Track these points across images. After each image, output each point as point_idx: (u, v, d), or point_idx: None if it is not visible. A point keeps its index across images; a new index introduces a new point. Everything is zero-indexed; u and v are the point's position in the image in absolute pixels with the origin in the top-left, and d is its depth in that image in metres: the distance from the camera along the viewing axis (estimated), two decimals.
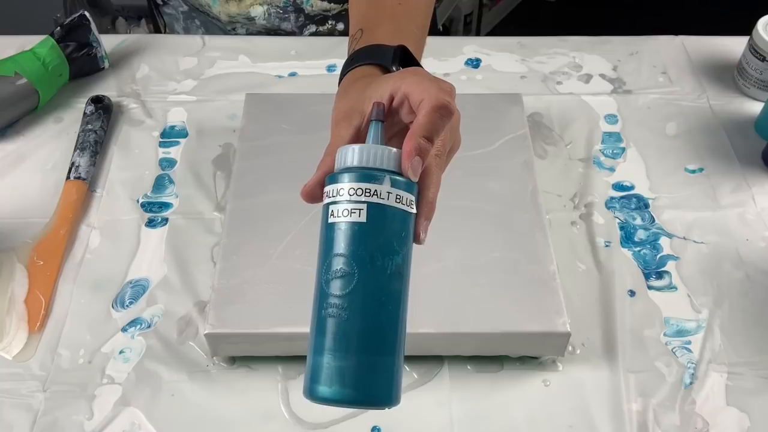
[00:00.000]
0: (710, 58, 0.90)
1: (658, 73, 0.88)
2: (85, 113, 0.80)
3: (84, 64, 0.85)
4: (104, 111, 0.81)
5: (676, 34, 0.93)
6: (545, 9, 2.21)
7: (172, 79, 0.87)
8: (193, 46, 0.91)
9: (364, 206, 0.40)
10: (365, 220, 0.40)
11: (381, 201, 0.40)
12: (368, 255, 0.40)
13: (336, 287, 0.40)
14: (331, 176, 0.42)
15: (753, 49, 0.82)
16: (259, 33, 0.95)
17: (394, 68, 0.51)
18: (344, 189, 0.40)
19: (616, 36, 0.93)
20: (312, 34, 0.94)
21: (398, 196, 0.40)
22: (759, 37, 0.81)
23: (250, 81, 0.86)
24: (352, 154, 0.41)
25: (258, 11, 0.91)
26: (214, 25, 0.97)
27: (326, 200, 0.42)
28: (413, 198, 0.42)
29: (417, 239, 0.43)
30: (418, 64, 0.54)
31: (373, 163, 0.41)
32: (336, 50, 0.90)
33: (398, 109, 0.46)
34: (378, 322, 0.40)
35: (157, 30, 1.06)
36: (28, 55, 0.80)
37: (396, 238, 0.41)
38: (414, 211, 0.42)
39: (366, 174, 0.40)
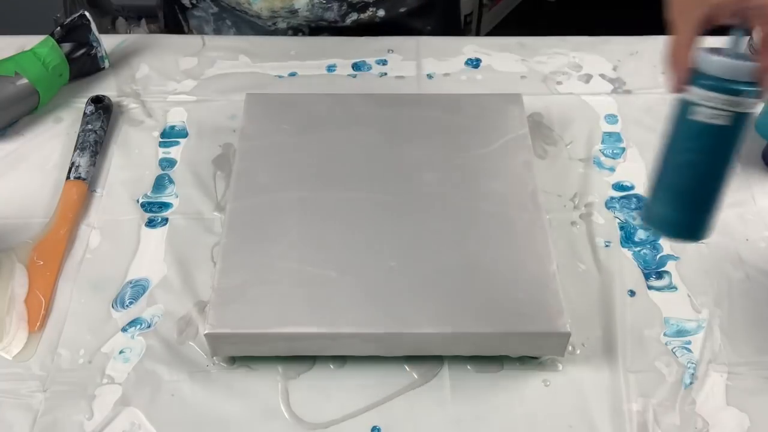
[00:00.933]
0: None
1: (658, 73, 0.88)
2: (85, 113, 0.80)
3: (84, 64, 0.85)
4: (104, 111, 0.81)
5: None
6: (545, 9, 2.22)
7: (172, 79, 0.87)
8: (193, 46, 0.91)
9: (728, 114, 0.49)
10: (728, 124, 0.50)
11: (738, 110, 0.49)
12: (722, 149, 0.52)
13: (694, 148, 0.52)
14: (696, 78, 0.50)
15: (753, 48, 0.82)
16: (299, 26, 0.94)
17: None
18: (712, 96, 0.49)
19: (616, 36, 0.93)
20: (354, 22, 0.94)
21: (751, 104, 0.49)
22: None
23: (250, 81, 0.86)
24: (719, 65, 0.49)
25: (301, 2, 0.90)
26: (246, 24, 0.97)
27: (691, 98, 0.50)
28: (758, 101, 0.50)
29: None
30: None
31: (737, 76, 0.48)
32: (336, 50, 0.90)
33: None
34: (714, 181, 0.53)
35: (185, 32, 1.05)
36: (29, 55, 0.80)
37: (741, 134, 0.51)
38: (754, 110, 0.51)
39: (731, 88, 0.49)
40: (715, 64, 0.49)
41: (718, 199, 0.53)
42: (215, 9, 0.97)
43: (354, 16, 0.93)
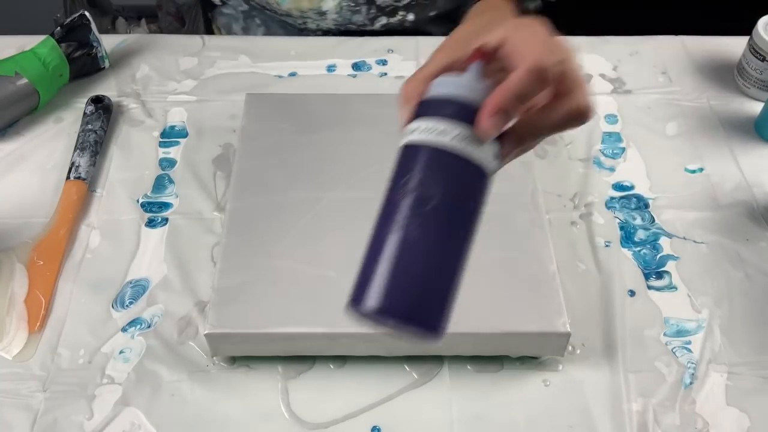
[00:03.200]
0: (710, 58, 0.90)
1: (658, 73, 0.88)
2: (85, 113, 0.80)
3: (84, 64, 0.85)
4: (104, 111, 0.81)
5: (676, 34, 0.93)
6: (545, 9, 2.21)
7: (172, 79, 0.87)
8: (193, 46, 0.91)
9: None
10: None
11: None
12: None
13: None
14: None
15: (753, 49, 0.82)
16: (329, 29, 0.95)
17: (530, 5, 0.48)
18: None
19: (616, 36, 0.93)
20: (383, 26, 0.93)
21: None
22: (759, 37, 0.81)
23: (250, 81, 0.86)
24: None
25: (330, 5, 0.90)
26: (276, 23, 0.96)
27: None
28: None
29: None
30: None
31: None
32: (336, 50, 0.90)
33: (505, 60, 0.42)
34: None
35: (209, 31, 1.05)
36: (29, 55, 0.80)
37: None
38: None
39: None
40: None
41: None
42: (245, 7, 0.97)
43: (383, 20, 0.93)
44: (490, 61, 0.42)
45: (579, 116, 0.41)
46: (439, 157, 0.39)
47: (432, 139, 0.39)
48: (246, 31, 0.99)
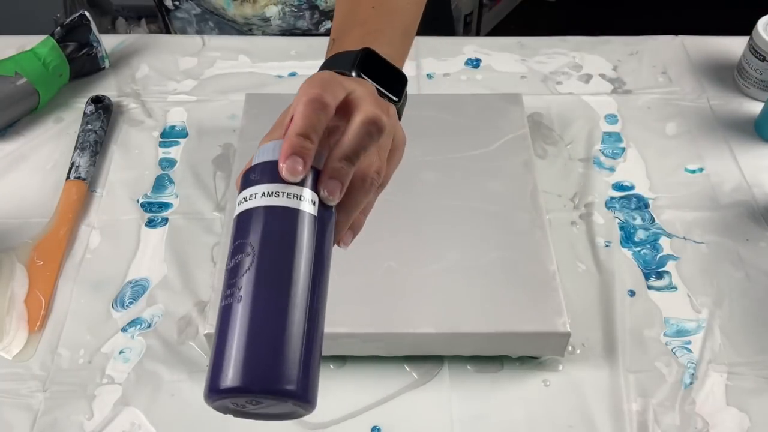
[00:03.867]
0: (710, 58, 0.90)
1: (658, 73, 0.88)
2: (85, 113, 0.80)
3: (84, 64, 0.85)
4: (104, 111, 0.81)
5: (676, 34, 0.93)
6: (545, 9, 2.22)
7: (172, 79, 0.87)
8: (193, 46, 0.91)
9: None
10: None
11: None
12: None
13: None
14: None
15: (753, 49, 0.82)
16: (274, 35, 0.95)
17: (353, 73, 0.48)
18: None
19: (616, 36, 0.93)
20: (327, 30, 0.94)
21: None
22: (759, 37, 0.81)
23: (250, 81, 0.86)
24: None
25: (273, 11, 0.91)
26: (229, 27, 0.97)
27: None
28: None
29: (338, 244, 0.42)
30: (386, 66, 0.51)
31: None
32: None
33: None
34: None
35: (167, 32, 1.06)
36: (29, 55, 0.80)
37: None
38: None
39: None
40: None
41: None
42: (198, 10, 0.97)
43: (327, 24, 0.93)
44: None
45: (373, 125, 0.41)
46: (249, 218, 0.39)
47: (244, 206, 0.39)
48: (200, 34, 1.00)
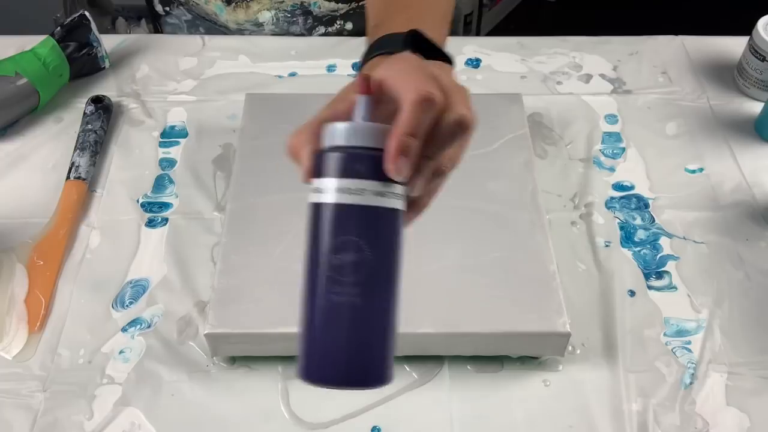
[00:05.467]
0: (710, 58, 0.90)
1: (658, 73, 0.88)
2: (85, 113, 0.80)
3: (84, 64, 0.85)
4: (104, 111, 0.81)
5: (676, 34, 0.93)
6: (545, 9, 2.22)
7: (172, 79, 0.87)
8: (193, 46, 0.91)
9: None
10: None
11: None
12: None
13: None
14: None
15: (753, 49, 0.82)
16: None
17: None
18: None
19: (616, 36, 0.93)
20: (322, 35, 0.94)
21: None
22: (759, 37, 0.81)
23: (250, 81, 0.86)
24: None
25: (266, 17, 0.91)
26: (219, 33, 0.97)
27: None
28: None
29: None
30: (433, 48, 0.51)
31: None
32: (336, 50, 0.90)
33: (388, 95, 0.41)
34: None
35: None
36: (29, 55, 0.80)
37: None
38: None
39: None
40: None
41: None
42: (189, 16, 0.98)
43: (321, 30, 0.93)
44: (376, 103, 0.41)
45: (461, 127, 0.42)
46: (356, 214, 0.39)
47: (349, 200, 0.39)
48: None
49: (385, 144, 0.38)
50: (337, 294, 0.39)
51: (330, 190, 0.39)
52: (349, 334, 0.39)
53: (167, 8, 0.99)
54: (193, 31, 0.99)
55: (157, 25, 1.04)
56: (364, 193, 0.39)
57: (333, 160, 0.39)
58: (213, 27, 0.97)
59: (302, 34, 0.94)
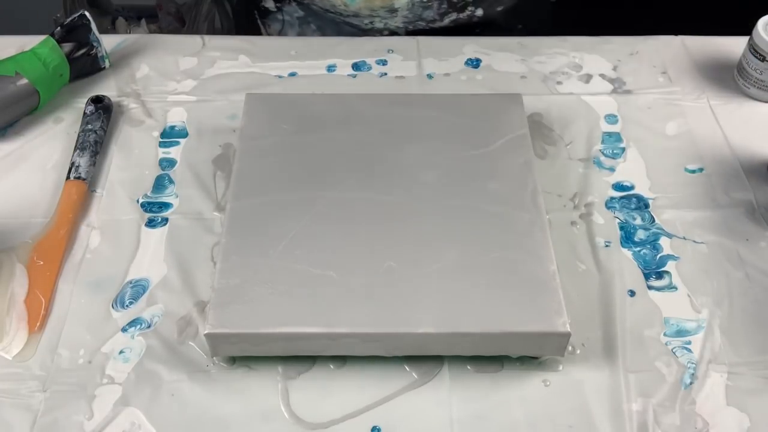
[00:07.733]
0: (710, 58, 0.90)
1: (658, 73, 0.88)
2: (85, 113, 0.80)
3: (84, 64, 0.85)
4: (104, 111, 0.81)
5: (677, 34, 0.93)
6: (545, 9, 2.21)
7: (172, 79, 0.87)
8: (193, 46, 0.91)
9: None
10: None
11: None
12: None
13: None
14: None
15: (753, 49, 0.82)
16: (396, 28, 0.95)
17: None
18: None
19: (616, 36, 0.93)
20: (452, 22, 0.94)
21: None
22: (759, 37, 0.81)
23: (250, 81, 0.86)
24: None
25: (402, 1, 0.91)
26: (335, 27, 0.97)
27: None
28: None
29: None
30: None
31: None
32: (336, 50, 0.90)
33: None
34: None
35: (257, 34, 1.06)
36: (29, 55, 0.80)
37: None
38: None
39: None
40: None
41: None
42: (301, 13, 0.97)
43: (453, 16, 0.94)
44: None
45: None
46: None
47: None
48: (302, 36, 1.01)
49: None
50: None
51: None
52: None
53: (279, 4, 0.98)
54: (305, 28, 0.99)
55: (261, 24, 1.03)
56: None
57: None
58: (331, 21, 0.96)
59: (433, 21, 0.94)
